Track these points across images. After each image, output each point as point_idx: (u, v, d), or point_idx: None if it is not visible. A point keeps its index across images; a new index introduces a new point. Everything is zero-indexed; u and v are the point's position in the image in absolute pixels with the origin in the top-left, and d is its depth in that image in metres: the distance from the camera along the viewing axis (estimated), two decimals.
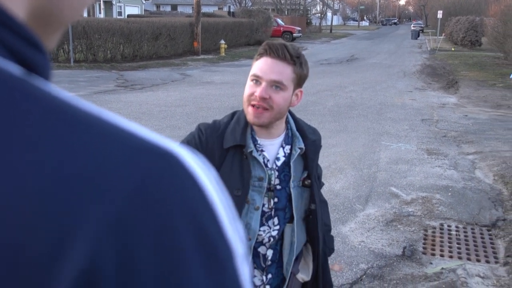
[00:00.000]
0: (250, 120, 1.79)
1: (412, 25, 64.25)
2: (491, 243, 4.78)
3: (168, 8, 62.53)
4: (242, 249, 0.41)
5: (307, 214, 1.95)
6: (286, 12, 58.45)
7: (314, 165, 1.94)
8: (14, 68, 0.37)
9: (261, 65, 1.77)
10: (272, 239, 1.90)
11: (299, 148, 1.88)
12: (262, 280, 1.94)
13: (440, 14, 36.60)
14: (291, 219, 1.92)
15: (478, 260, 4.43)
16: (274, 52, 1.76)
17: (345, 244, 4.59)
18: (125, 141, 0.37)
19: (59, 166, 0.34)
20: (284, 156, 1.89)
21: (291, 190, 1.88)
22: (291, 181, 1.88)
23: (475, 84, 16.19)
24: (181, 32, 23.14)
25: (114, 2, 46.91)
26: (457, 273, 4.18)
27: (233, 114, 1.93)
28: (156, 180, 0.36)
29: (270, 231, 1.89)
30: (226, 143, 1.81)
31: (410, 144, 8.44)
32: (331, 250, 2.21)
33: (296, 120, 1.98)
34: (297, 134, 1.92)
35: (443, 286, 3.97)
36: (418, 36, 46.31)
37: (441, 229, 5.07)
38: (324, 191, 2.29)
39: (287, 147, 1.90)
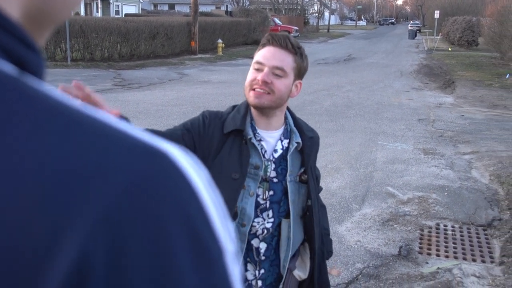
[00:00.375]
0: (251, 102, 1.86)
1: (409, 25, 64.23)
2: (487, 242, 4.80)
3: (166, 7, 62.41)
4: (232, 248, 0.41)
5: (304, 212, 1.97)
6: (283, 11, 58.44)
7: (310, 160, 1.97)
8: (7, 67, 0.38)
9: (264, 53, 1.85)
10: (266, 231, 1.92)
11: (296, 143, 1.93)
12: (255, 275, 1.96)
13: (437, 14, 36.65)
14: (287, 215, 1.93)
15: (474, 260, 4.44)
16: (277, 42, 1.84)
17: (341, 244, 4.60)
18: (118, 141, 0.38)
19: (52, 164, 0.35)
20: (282, 149, 1.93)
21: (288, 183, 1.91)
22: (287, 175, 1.91)
23: (472, 84, 16.21)
24: (179, 31, 23.10)
25: (111, 1, 46.81)
26: (453, 273, 4.19)
27: (234, 106, 2.00)
28: (148, 180, 0.37)
29: (264, 223, 1.91)
30: (226, 129, 1.88)
31: (406, 143, 8.45)
32: (330, 252, 2.23)
33: (294, 117, 2.03)
34: (295, 129, 1.97)
35: (439, 285, 3.98)
36: (415, 36, 46.34)
37: (437, 228, 5.08)
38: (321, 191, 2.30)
39: (285, 141, 1.94)
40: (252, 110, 1.92)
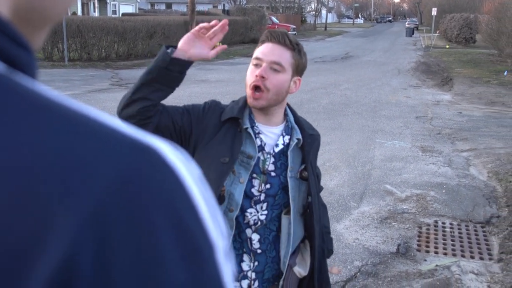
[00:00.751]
0: (250, 103, 1.91)
1: (407, 23, 64.25)
2: (485, 240, 4.80)
3: (163, 7, 62.37)
4: (223, 243, 0.41)
5: (304, 209, 1.99)
6: (280, 10, 58.45)
7: (310, 157, 1.99)
8: None
9: (263, 49, 1.90)
10: (259, 223, 1.94)
11: (297, 139, 1.96)
12: (250, 266, 1.99)
13: (434, 12, 36.63)
14: (288, 211, 1.95)
15: (472, 257, 4.44)
16: (275, 38, 1.89)
17: (339, 242, 4.60)
18: (105, 136, 0.37)
19: (36, 160, 0.34)
20: (283, 145, 1.96)
21: (288, 179, 1.93)
22: (288, 171, 1.93)
23: (470, 81, 16.23)
24: (176, 31, 23.08)
25: (108, 1, 46.75)
26: (451, 270, 4.19)
27: (233, 101, 2.05)
28: (135, 173, 0.36)
29: (257, 215, 1.93)
30: (223, 116, 1.93)
31: (404, 141, 8.46)
32: (330, 251, 2.25)
33: (295, 114, 2.06)
34: (295, 126, 2.00)
35: (437, 283, 3.98)
36: (413, 33, 46.39)
37: (435, 226, 5.08)
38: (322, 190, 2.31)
39: (287, 137, 1.97)
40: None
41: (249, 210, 1.92)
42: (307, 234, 2.04)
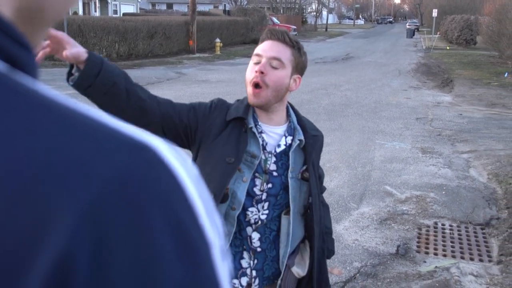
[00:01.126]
0: (250, 101, 1.92)
1: (407, 24, 64.32)
2: (485, 241, 4.80)
3: (164, 7, 62.39)
4: (219, 242, 0.41)
5: (305, 210, 2.00)
6: (281, 10, 58.47)
7: (312, 158, 1.99)
8: None
9: (262, 46, 1.92)
10: (260, 222, 1.95)
11: (299, 140, 1.96)
12: (249, 264, 2.00)
13: (435, 13, 36.64)
14: (287, 211, 1.96)
15: (472, 259, 4.44)
16: (275, 36, 1.92)
17: (339, 243, 4.60)
18: (104, 135, 0.38)
19: (36, 158, 0.35)
20: (285, 145, 1.97)
21: (289, 180, 1.94)
22: (289, 171, 1.94)
23: (470, 82, 16.23)
24: (177, 31, 23.11)
25: (109, 1, 46.76)
26: (450, 272, 4.19)
27: (238, 100, 2.06)
28: (132, 173, 0.37)
29: (258, 214, 1.94)
30: (229, 116, 1.94)
31: (404, 142, 8.46)
32: (331, 251, 2.25)
33: (298, 115, 2.07)
34: (298, 127, 2.01)
35: (437, 284, 3.98)
36: (413, 34, 46.38)
37: (435, 227, 5.08)
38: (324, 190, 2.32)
39: (289, 138, 1.98)
40: None
41: (250, 209, 1.93)
42: (307, 235, 2.05)
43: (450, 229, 5.05)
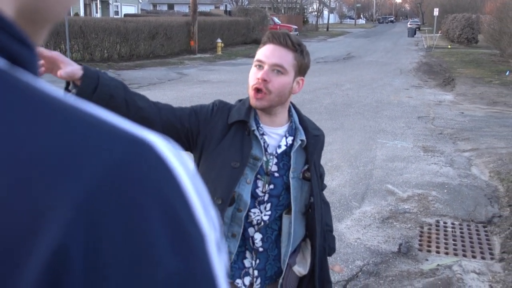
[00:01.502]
0: (252, 104, 1.90)
1: (409, 23, 64.19)
2: (487, 239, 4.80)
3: (165, 7, 62.40)
4: (215, 235, 0.41)
5: (307, 209, 2.01)
6: (282, 10, 58.43)
7: (313, 158, 1.99)
8: None
9: (264, 51, 1.89)
10: (262, 223, 1.96)
11: (301, 140, 1.96)
12: (251, 263, 2.01)
13: (436, 12, 36.59)
14: (288, 211, 1.96)
15: (474, 257, 4.44)
16: (277, 39, 1.88)
17: (341, 241, 4.60)
18: (100, 129, 0.38)
19: (32, 152, 0.35)
20: (286, 146, 1.96)
21: (290, 180, 1.94)
22: (291, 171, 1.94)
23: (472, 81, 16.21)
24: (178, 31, 23.10)
25: (110, 2, 46.79)
26: (453, 270, 4.19)
27: (240, 100, 2.04)
28: (127, 164, 0.37)
29: (261, 215, 1.95)
30: (230, 119, 1.93)
31: (406, 141, 8.45)
32: (332, 249, 2.25)
33: (300, 114, 2.06)
34: (300, 127, 2.00)
35: (439, 282, 3.99)
36: (415, 33, 46.29)
37: (437, 225, 5.08)
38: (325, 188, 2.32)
39: (290, 138, 1.97)
40: None
41: (253, 210, 1.93)
42: (308, 234, 2.06)
43: (452, 227, 5.05)
